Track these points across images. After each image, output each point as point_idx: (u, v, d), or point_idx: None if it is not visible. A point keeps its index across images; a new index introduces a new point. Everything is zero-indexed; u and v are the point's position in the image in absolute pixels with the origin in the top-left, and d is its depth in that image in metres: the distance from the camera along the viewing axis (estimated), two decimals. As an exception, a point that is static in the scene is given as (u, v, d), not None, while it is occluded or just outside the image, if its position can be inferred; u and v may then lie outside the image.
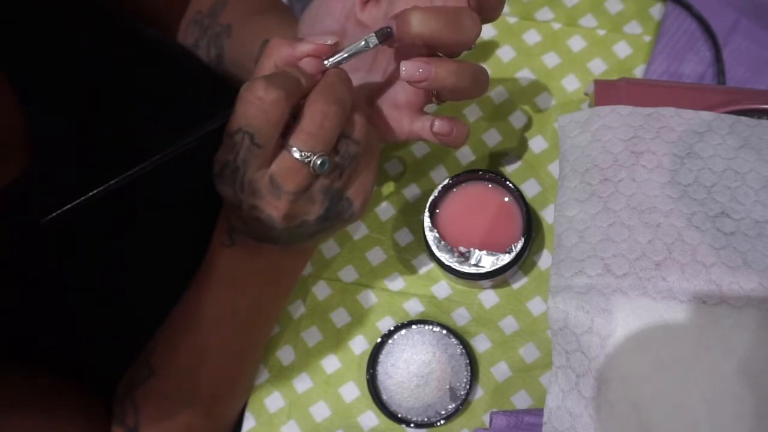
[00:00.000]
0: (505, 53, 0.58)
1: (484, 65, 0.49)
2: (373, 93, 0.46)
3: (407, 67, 0.40)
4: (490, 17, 0.41)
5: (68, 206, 0.37)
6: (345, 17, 0.44)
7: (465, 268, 0.47)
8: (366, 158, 0.42)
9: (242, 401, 0.53)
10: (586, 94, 0.55)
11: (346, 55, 0.40)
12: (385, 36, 0.39)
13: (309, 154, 0.38)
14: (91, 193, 0.37)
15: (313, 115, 0.38)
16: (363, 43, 0.40)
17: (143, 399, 0.47)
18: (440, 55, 0.42)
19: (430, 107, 0.46)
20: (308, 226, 0.42)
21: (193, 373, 0.47)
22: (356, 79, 0.45)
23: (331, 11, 0.44)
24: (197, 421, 0.48)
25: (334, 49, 0.40)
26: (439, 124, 0.44)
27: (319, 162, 0.38)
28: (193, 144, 0.40)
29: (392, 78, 0.45)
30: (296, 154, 0.38)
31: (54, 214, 0.37)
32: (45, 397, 0.44)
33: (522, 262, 0.49)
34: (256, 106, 0.37)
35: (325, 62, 0.40)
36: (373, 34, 0.39)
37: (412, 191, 0.56)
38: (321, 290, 0.55)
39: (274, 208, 0.40)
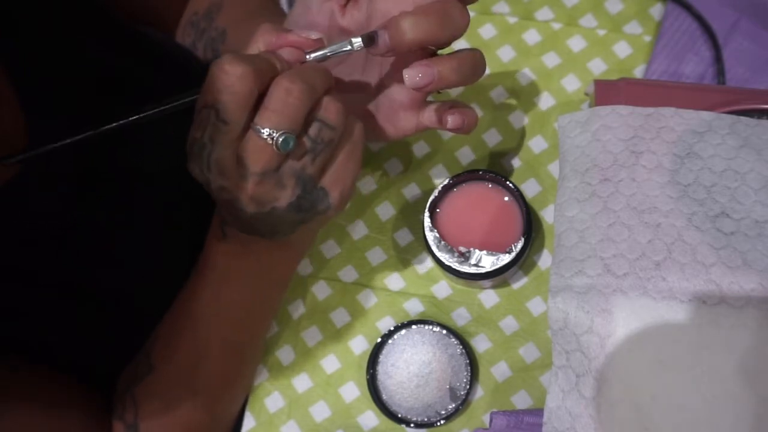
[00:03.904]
0: (505, 53, 0.58)
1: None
2: (373, 93, 0.45)
3: (409, 75, 0.39)
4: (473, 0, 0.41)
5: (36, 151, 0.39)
6: (327, 27, 0.44)
7: (465, 268, 0.47)
8: (345, 147, 0.41)
9: (242, 398, 0.53)
10: (586, 94, 0.55)
11: (327, 53, 0.40)
12: (371, 41, 0.39)
13: (274, 132, 0.37)
14: (52, 145, 0.39)
15: (277, 92, 0.37)
16: (348, 46, 0.39)
17: (143, 395, 0.47)
18: (432, 49, 0.41)
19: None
20: (281, 213, 0.40)
21: (192, 368, 0.47)
22: (353, 80, 0.45)
23: (313, 22, 0.44)
24: (197, 416, 0.48)
25: (317, 45, 0.40)
26: (452, 120, 0.44)
27: (281, 140, 0.37)
28: (169, 111, 0.40)
29: (389, 76, 0.45)
30: (262, 133, 0.37)
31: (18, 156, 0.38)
32: (46, 393, 0.44)
33: (522, 262, 0.49)
34: (222, 80, 0.36)
35: (307, 56, 0.40)
36: (360, 37, 0.39)
37: (412, 191, 0.56)
38: (321, 290, 0.55)
39: (241, 190, 0.39)
